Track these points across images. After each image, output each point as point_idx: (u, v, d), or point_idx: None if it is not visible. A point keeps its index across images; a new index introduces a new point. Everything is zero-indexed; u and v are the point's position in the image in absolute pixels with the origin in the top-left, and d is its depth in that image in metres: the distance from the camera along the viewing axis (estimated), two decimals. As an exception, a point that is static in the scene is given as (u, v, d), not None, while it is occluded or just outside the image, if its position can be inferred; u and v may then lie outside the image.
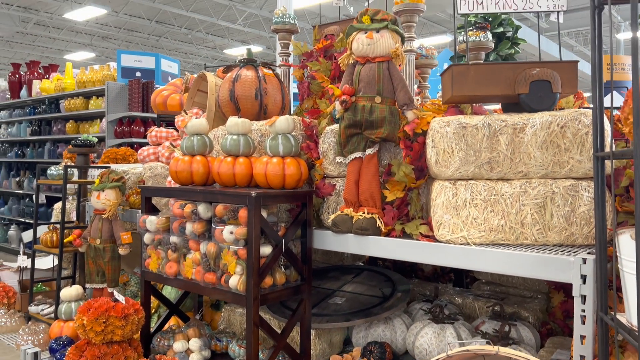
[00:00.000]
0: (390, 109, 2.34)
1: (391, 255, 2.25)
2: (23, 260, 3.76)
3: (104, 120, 8.91)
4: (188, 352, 2.60)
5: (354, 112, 2.38)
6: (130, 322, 2.58)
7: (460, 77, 2.09)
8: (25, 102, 11.02)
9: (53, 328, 3.11)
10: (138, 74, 8.97)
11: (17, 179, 11.32)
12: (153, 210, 2.85)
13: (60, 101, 9.99)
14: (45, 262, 4.11)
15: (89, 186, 3.88)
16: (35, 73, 11.00)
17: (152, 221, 2.66)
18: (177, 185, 2.72)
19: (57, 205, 4.15)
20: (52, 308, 3.38)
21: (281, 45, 3.53)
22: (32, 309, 3.45)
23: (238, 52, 19.85)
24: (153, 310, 3.37)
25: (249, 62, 2.97)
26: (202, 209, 2.46)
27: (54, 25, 17.67)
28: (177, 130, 3.55)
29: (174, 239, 2.58)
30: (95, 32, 18.63)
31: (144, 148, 3.50)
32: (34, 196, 3.14)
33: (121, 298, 2.63)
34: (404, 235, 2.28)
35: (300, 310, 2.50)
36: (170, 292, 3.21)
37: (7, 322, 3.34)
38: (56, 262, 4.04)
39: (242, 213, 2.26)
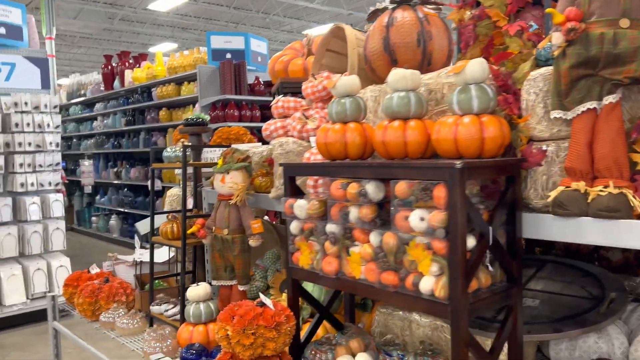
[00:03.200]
0: (644, 35, 1.63)
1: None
2: (141, 255, 3.41)
3: (197, 105, 8.66)
4: (356, 370, 2.05)
5: (586, 44, 1.69)
6: (283, 333, 2.06)
7: None
8: (119, 93, 11.08)
9: (181, 333, 2.69)
10: (228, 55, 8.61)
11: (115, 170, 11.46)
12: (298, 192, 2.32)
13: (152, 89, 9.88)
14: (159, 255, 3.75)
15: (206, 169, 3.44)
16: (127, 63, 11.00)
17: (301, 206, 2.12)
18: (325, 161, 2.17)
19: (172, 192, 3.77)
20: (176, 309, 2.98)
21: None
22: (155, 309, 3.07)
23: (317, 31, 19.31)
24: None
25: (404, 1, 2.34)
26: (372, 189, 1.88)
27: (137, 19, 17.97)
28: (304, 99, 3.00)
29: (332, 227, 2.03)
30: (176, 22, 18.78)
31: (269, 122, 2.99)
32: (148, 183, 2.90)
33: (268, 302, 2.13)
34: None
35: (511, 320, 1.87)
36: (312, 290, 2.68)
37: (129, 324, 2.97)
38: (172, 255, 3.67)
39: (439, 192, 1.65)
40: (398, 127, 1.96)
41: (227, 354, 2.13)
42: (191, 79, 8.87)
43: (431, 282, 1.70)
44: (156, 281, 3.58)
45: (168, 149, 3.12)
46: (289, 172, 2.25)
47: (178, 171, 3.76)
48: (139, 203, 10.65)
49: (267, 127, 2.96)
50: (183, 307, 2.92)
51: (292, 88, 3.34)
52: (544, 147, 1.90)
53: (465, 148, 1.80)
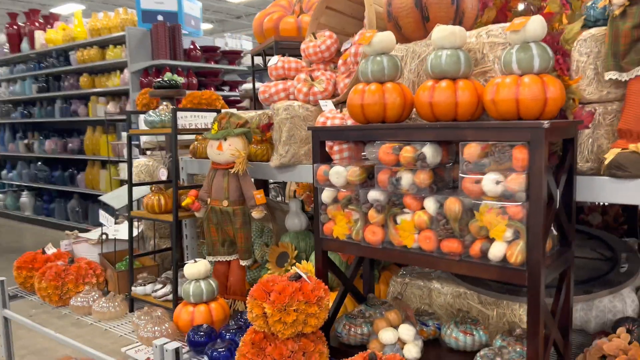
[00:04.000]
0: None
1: None
2: (116, 231, 3.06)
3: (125, 71, 8.02)
4: (399, 343, 1.96)
5: (652, 4, 1.67)
6: (324, 308, 1.93)
7: None
8: (28, 56, 10.01)
9: (181, 314, 2.45)
10: (160, 17, 8.01)
11: (26, 142, 10.43)
12: (328, 159, 2.15)
13: (70, 53, 9.01)
14: (122, 231, 3.40)
15: (182, 137, 3.14)
16: (37, 23, 9.92)
17: (339, 173, 1.97)
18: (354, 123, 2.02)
19: (139, 162, 3.42)
20: (167, 288, 2.72)
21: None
22: (138, 290, 2.78)
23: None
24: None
25: (433, -44, 2.20)
26: (431, 153, 1.77)
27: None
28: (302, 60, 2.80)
29: (376, 194, 1.90)
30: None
31: (267, 84, 2.75)
32: (124, 151, 2.60)
33: (304, 275, 1.97)
34: None
35: (566, 283, 1.86)
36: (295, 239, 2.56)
37: (109, 307, 2.67)
38: (140, 230, 3.35)
39: (520, 153, 1.58)
40: (447, 88, 1.86)
41: (258, 333, 1.96)
42: (118, 42, 8.18)
43: (503, 248, 1.64)
44: (125, 260, 3.25)
45: (151, 113, 2.79)
46: (320, 136, 2.07)
47: (146, 138, 3.41)
48: (56, 178, 9.78)
49: (266, 89, 2.73)
50: (176, 285, 2.67)
51: (286, 49, 3.11)
52: (592, 110, 1.88)
53: (527, 109, 1.73)
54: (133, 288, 2.83)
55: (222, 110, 2.74)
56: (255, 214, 2.59)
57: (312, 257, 2.64)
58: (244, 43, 10.80)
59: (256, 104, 3.65)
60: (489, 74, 2.04)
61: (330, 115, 2.39)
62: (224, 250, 2.68)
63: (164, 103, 2.82)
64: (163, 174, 3.22)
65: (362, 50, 2.05)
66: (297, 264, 2.55)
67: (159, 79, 3.20)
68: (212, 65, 8.13)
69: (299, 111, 2.58)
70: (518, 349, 1.81)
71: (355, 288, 2.34)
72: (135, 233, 3.43)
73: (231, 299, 2.68)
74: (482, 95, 1.88)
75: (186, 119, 3.03)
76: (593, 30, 1.88)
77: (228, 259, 2.69)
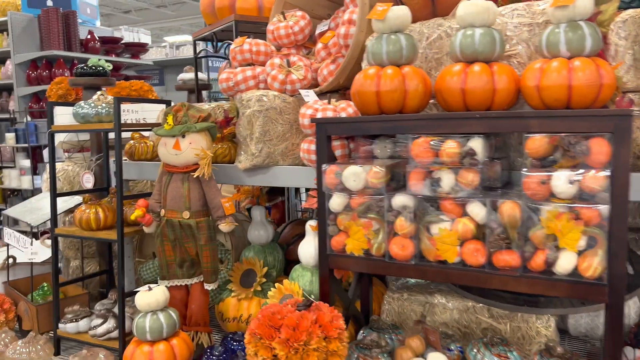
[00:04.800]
0: None
1: None
2: (34, 254, 2.40)
3: (8, 62, 6.95)
4: (432, 376, 1.64)
5: None
6: (346, 344, 1.55)
7: None
8: None
9: (135, 356, 1.94)
10: (50, 2, 7.06)
11: None
12: (333, 159, 1.78)
13: None
14: (23, 253, 2.75)
15: (136, 134, 2.58)
16: None
17: (358, 174, 1.60)
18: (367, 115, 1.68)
19: (58, 167, 2.77)
20: (110, 324, 2.16)
21: None
22: (69, 327, 2.19)
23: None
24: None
25: None
26: (481, 147, 1.48)
27: None
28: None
29: (405, 200, 1.57)
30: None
31: (229, 70, 2.30)
32: (46, 155, 2.15)
33: (311, 299, 1.59)
34: None
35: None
36: (311, 281, 2.13)
37: (30, 352, 2.07)
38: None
39: (600, 146, 1.33)
40: (483, 72, 1.58)
41: (263, 381, 1.54)
42: (-2, 29, 7.06)
43: (574, 259, 1.38)
44: (42, 290, 2.61)
45: (82, 104, 2.21)
46: (327, 130, 1.70)
47: (65, 137, 2.77)
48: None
49: (229, 76, 2.28)
50: (123, 320, 2.13)
51: (244, 32, 2.65)
52: (631, 99, 1.70)
53: (581, 97, 1.49)
54: (61, 325, 2.24)
55: (180, 102, 2.23)
56: (225, 226, 2.13)
57: (295, 274, 2.25)
58: (143, 37, 9.97)
59: (199, 97, 3.15)
60: (514, 58, 1.80)
61: (318, 106, 2.02)
62: (183, 272, 2.19)
63: (99, 93, 2.26)
64: (88, 181, 2.63)
65: (375, 27, 1.70)
66: (279, 285, 2.13)
67: (82, 65, 2.61)
68: (114, 58, 7.30)
69: (275, 102, 2.17)
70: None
71: (356, 309, 1.99)
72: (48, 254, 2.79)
73: (193, 331, 2.20)
74: (519, 81, 1.62)
75: (122, 114, 2.48)
76: (631, 12, 1.70)
77: (188, 283, 2.20)
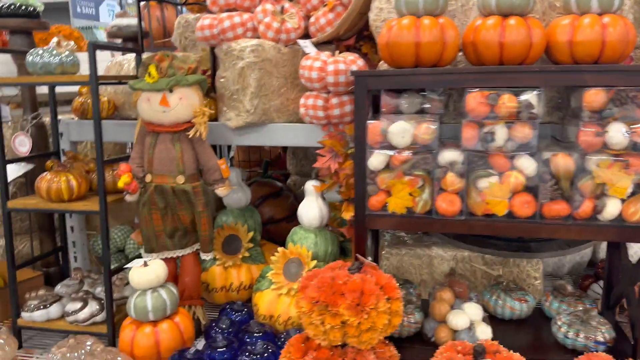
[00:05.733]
0: None
1: None
2: None
3: None
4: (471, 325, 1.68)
5: None
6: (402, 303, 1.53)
7: None
8: None
9: (136, 339, 1.74)
10: None
11: None
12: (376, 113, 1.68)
13: None
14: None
15: (84, 88, 2.20)
16: None
17: (406, 130, 1.54)
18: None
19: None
20: (91, 307, 1.87)
21: None
22: (37, 315, 1.86)
23: None
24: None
25: None
26: (537, 101, 1.49)
27: None
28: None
29: (454, 155, 1.55)
30: None
31: (214, 17, 2.03)
32: None
33: (368, 260, 1.53)
34: None
35: None
36: (316, 242, 2.02)
37: (-9, 351, 1.74)
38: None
39: (653, 100, 1.42)
40: (521, 25, 1.59)
41: (322, 350, 1.46)
42: None
43: (620, 205, 1.48)
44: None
45: (39, 52, 1.79)
46: (370, 84, 1.59)
47: None
48: None
49: (212, 23, 2.02)
50: (111, 300, 1.87)
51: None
52: (630, 56, 1.83)
53: (613, 52, 1.56)
54: (25, 314, 1.91)
55: (162, 52, 1.93)
56: (222, 190, 1.95)
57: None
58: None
59: (143, 49, 2.76)
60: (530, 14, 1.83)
61: (325, 58, 1.89)
62: (174, 243, 1.97)
63: (57, 39, 1.88)
64: (23, 144, 2.22)
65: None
66: (283, 249, 2.02)
67: (7, 4, 2.16)
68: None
69: (271, 53, 1.99)
70: (594, 313, 1.71)
71: (372, 269, 1.96)
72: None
73: (186, 305, 2.01)
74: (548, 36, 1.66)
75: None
76: (635, -28, 1.81)
77: (180, 254, 1.99)
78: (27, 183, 2.32)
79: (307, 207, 2.06)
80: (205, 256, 1.99)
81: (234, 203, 2.34)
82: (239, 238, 2.28)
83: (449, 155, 1.56)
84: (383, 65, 1.88)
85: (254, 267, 2.27)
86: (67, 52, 1.84)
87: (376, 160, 1.60)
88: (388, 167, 1.62)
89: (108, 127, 2.20)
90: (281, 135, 2.07)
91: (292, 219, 2.88)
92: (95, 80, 1.75)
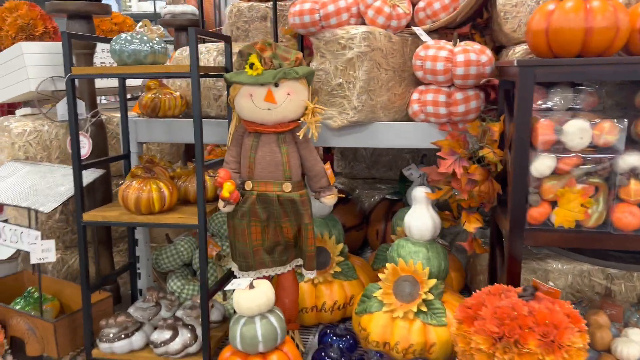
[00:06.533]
0: None
1: None
2: (46, 252, 1.65)
3: None
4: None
5: None
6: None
7: None
8: None
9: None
10: None
11: None
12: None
13: None
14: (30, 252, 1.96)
15: (153, 82, 1.92)
16: None
17: (584, 129, 1.31)
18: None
19: (18, 126, 1.96)
20: (184, 336, 1.60)
21: None
22: (117, 346, 1.59)
23: None
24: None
25: None
26: None
27: None
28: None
29: (637, 160, 1.32)
30: None
31: (313, 0, 1.77)
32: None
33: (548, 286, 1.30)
34: None
35: None
36: (427, 259, 1.78)
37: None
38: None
39: None
40: (607, 8, 1.38)
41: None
42: None
43: None
44: (29, 297, 1.91)
45: (127, 37, 1.51)
46: (536, 76, 1.35)
47: (40, 84, 1.93)
48: None
49: (314, 7, 1.75)
50: (207, 329, 1.60)
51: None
52: None
53: None
54: (104, 345, 1.63)
55: (262, 40, 1.67)
56: (330, 198, 1.70)
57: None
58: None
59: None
60: None
61: (452, 47, 1.65)
62: (273, 259, 1.71)
63: (141, 23, 1.60)
64: (82, 146, 1.95)
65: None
66: (393, 266, 1.77)
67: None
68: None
69: (382, 42, 1.74)
70: None
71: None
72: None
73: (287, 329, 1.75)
74: None
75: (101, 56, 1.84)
76: None
77: (280, 272, 1.73)
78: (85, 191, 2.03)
79: (418, 216, 1.81)
80: (310, 274, 1.73)
81: (317, 211, 2.09)
82: (326, 250, 2.02)
83: (632, 160, 1.33)
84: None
85: (346, 283, 2.02)
86: (157, 39, 1.56)
87: (543, 164, 1.37)
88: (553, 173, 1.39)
89: (179, 126, 1.93)
90: (386, 135, 1.82)
91: (361, 227, 2.64)
92: (196, 71, 1.48)
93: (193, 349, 1.62)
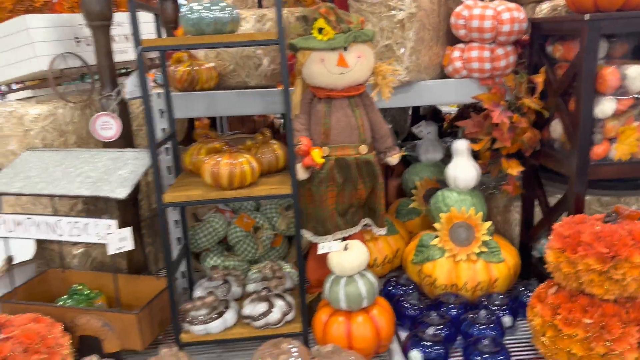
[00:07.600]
0: None
1: None
2: (123, 240, 1.50)
3: None
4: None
5: None
6: None
7: None
8: None
9: (358, 330, 1.54)
10: None
11: None
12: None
13: None
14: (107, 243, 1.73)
15: (182, 53, 1.81)
16: None
17: (644, 74, 1.52)
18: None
19: (32, 110, 1.76)
20: (279, 306, 1.59)
21: None
22: (212, 326, 1.53)
23: None
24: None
25: None
26: None
27: None
28: None
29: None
30: None
31: None
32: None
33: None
34: None
35: None
36: (472, 204, 1.91)
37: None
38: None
39: None
40: None
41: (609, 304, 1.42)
42: None
43: None
44: (77, 294, 1.77)
45: (193, 6, 1.41)
46: (612, 27, 1.52)
47: (55, 60, 1.68)
48: None
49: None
50: (303, 295, 1.62)
51: None
52: None
53: None
54: (196, 328, 1.58)
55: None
56: (396, 157, 1.77)
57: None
58: None
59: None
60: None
61: (495, 6, 1.78)
62: (346, 220, 1.76)
63: None
64: (108, 127, 1.82)
65: None
66: (447, 214, 1.90)
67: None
68: None
69: (425, 3, 1.81)
70: None
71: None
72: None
73: (358, 288, 1.82)
74: None
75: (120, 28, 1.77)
76: None
77: (352, 232, 1.78)
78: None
79: (462, 167, 1.96)
80: (382, 231, 1.81)
81: (431, 157, 2.33)
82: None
83: None
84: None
85: (390, 238, 2.12)
86: (222, 4, 1.49)
87: (608, 107, 1.56)
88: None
89: (221, 98, 1.87)
90: (430, 93, 1.93)
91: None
92: (282, 39, 1.45)
93: (290, 316, 1.64)
